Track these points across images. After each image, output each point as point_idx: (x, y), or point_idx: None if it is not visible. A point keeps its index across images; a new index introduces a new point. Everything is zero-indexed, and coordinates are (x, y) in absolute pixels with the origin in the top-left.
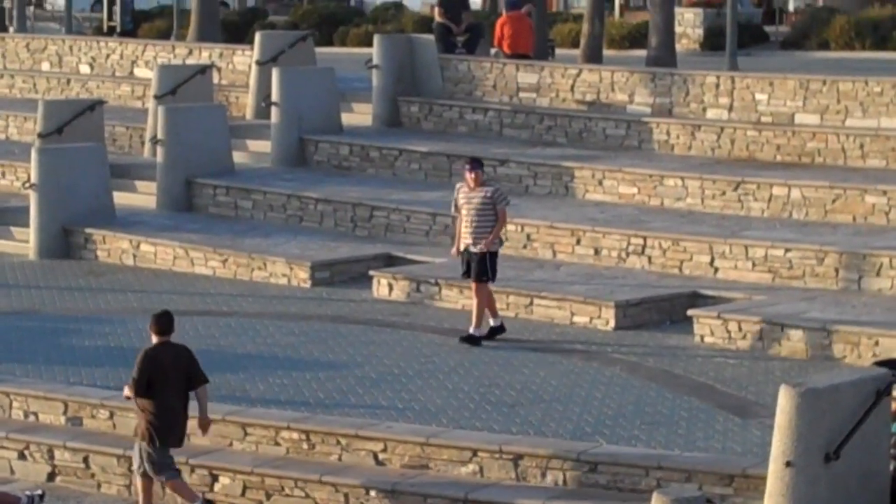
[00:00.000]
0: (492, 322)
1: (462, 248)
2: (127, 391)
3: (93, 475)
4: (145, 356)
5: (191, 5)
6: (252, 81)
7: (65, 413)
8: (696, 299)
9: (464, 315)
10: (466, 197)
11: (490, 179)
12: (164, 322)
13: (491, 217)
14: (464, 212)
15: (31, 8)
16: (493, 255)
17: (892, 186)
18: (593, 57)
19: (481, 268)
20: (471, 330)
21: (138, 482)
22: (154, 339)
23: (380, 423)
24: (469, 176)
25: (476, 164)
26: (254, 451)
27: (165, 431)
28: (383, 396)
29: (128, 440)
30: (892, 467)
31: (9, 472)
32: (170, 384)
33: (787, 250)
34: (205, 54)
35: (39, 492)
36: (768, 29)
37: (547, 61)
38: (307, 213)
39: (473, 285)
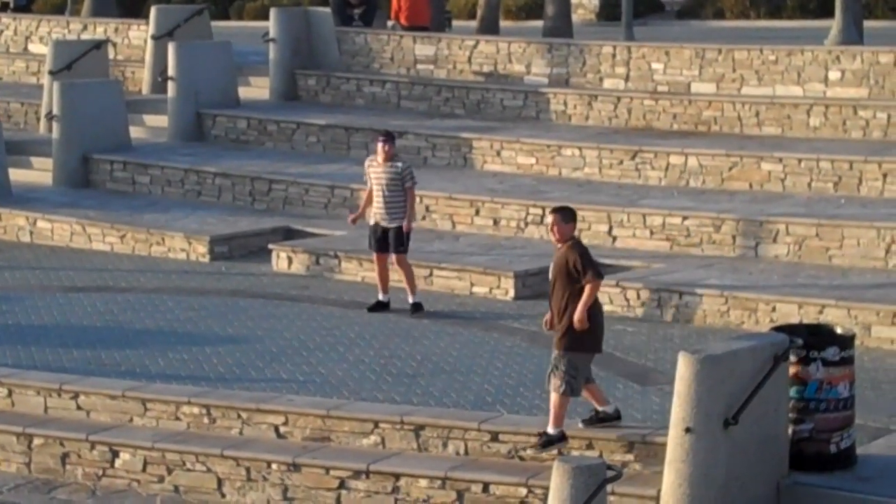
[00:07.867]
0: (380, 297)
1: (371, 222)
2: None
3: None
4: None
5: None
6: (148, 56)
7: None
8: None
9: (363, 287)
10: (376, 172)
11: None
12: None
13: (400, 193)
14: (374, 186)
15: None
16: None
17: (787, 154)
18: (490, 28)
19: (398, 240)
20: (410, 299)
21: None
22: None
23: (280, 396)
24: (381, 148)
25: (390, 137)
26: (154, 427)
27: None
28: (284, 370)
29: (27, 418)
30: (790, 432)
31: None
32: None
33: (684, 218)
34: (100, 29)
35: None
36: None
37: (444, 33)
38: (205, 187)
39: (395, 258)
